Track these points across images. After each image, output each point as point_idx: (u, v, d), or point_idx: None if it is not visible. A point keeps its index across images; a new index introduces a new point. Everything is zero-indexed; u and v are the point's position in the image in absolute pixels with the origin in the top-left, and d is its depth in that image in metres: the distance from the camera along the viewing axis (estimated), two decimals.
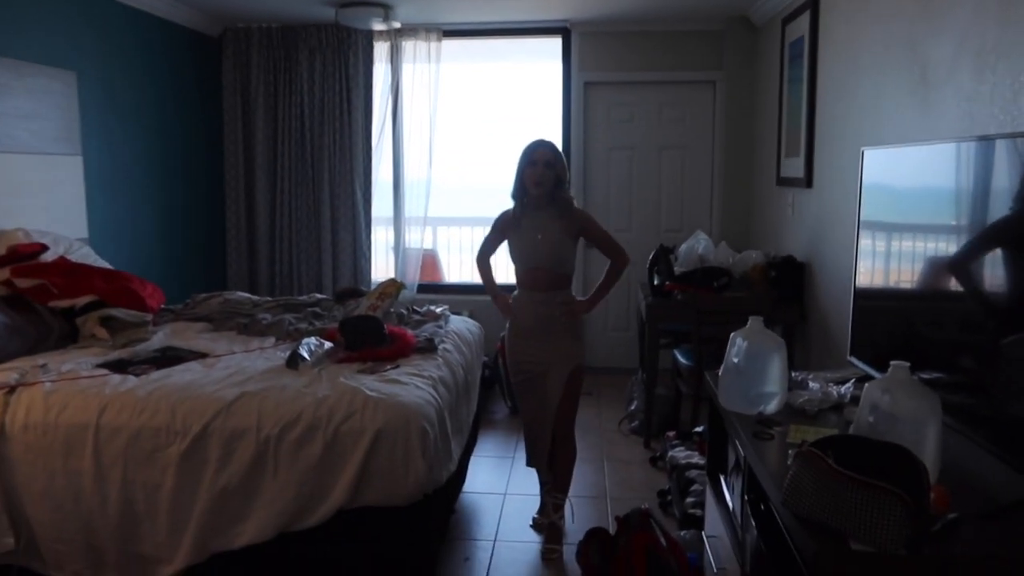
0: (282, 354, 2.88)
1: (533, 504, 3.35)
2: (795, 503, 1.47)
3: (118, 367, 2.72)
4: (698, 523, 2.89)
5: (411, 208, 5.55)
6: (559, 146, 3.05)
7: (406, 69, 5.40)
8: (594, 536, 2.81)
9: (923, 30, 2.66)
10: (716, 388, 2.27)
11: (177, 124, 5.00)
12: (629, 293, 5.53)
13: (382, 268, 5.73)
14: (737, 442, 2.05)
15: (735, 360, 2.13)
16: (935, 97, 2.57)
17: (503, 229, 3.12)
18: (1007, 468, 1.55)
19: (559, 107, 5.52)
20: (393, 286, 3.55)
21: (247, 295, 3.85)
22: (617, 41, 5.39)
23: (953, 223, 1.89)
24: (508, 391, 4.67)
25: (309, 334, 3.10)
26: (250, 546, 2.37)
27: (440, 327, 3.34)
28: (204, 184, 5.37)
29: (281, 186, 5.47)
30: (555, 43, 5.47)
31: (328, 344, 2.92)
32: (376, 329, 2.97)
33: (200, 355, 2.91)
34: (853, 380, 2.23)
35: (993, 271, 1.73)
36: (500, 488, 3.65)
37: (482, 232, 6.39)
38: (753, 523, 1.86)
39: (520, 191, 3.02)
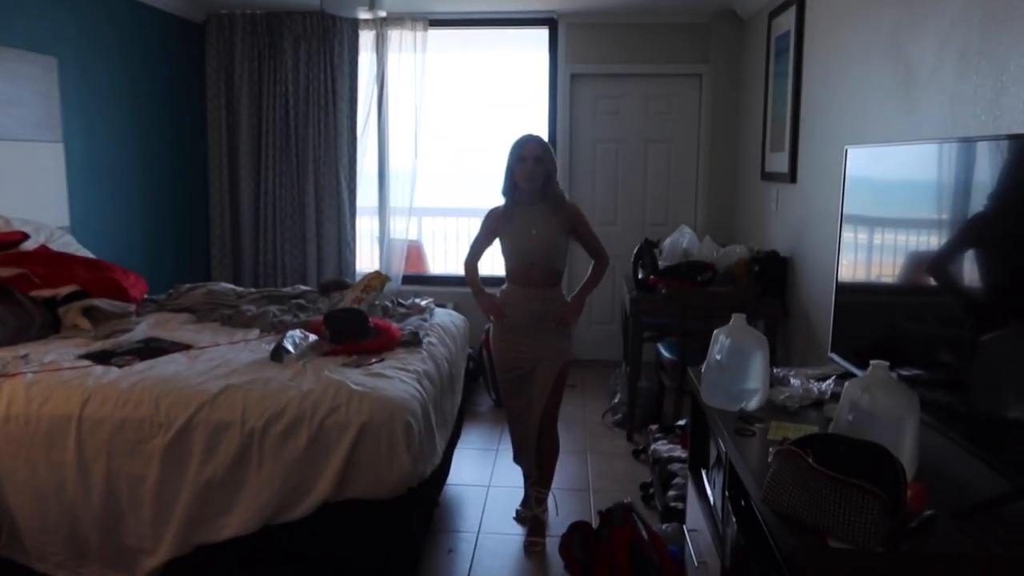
0: (267, 346, 2.87)
1: (516, 496, 3.37)
2: (775, 500, 1.50)
3: (101, 358, 2.71)
4: (680, 516, 2.93)
5: (396, 198, 5.54)
6: (545, 138, 3.05)
7: (392, 58, 5.37)
8: (577, 529, 2.84)
9: (907, 29, 2.69)
10: (699, 384, 2.29)
11: (160, 111, 4.95)
12: (613, 287, 5.55)
13: (367, 259, 5.72)
14: (719, 438, 2.07)
15: (718, 357, 2.15)
16: (919, 96, 2.59)
17: (493, 228, 3.07)
18: (983, 465, 1.58)
19: (545, 98, 5.52)
20: (378, 279, 3.55)
21: (231, 286, 3.83)
22: (604, 33, 5.39)
23: (934, 222, 1.92)
24: (492, 384, 4.68)
25: (294, 326, 3.09)
26: (234, 538, 2.37)
27: (425, 320, 3.35)
28: (187, 173, 5.33)
29: (265, 175, 5.44)
30: (542, 34, 5.46)
31: (313, 337, 2.91)
32: (361, 322, 2.97)
33: (184, 347, 2.90)
34: (834, 377, 2.26)
35: (971, 269, 1.76)
36: (484, 480, 3.67)
37: (467, 223, 6.45)
38: (733, 518, 1.89)
39: (511, 187, 3.01)
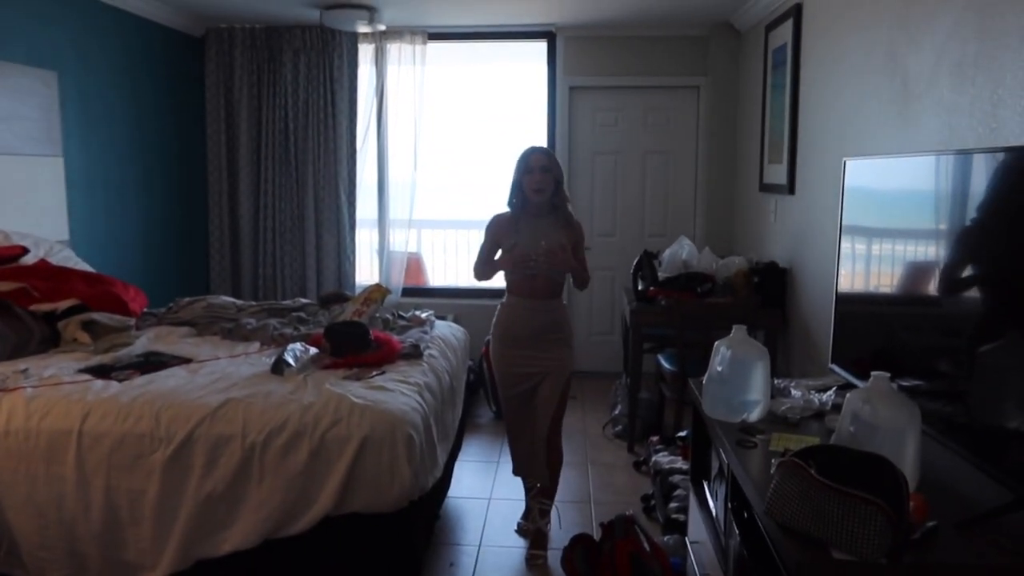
0: (267, 360, 2.87)
1: (518, 509, 3.36)
2: (778, 512, 1.50)
3: (101, 372, 2.70)
4: (681, 528, 2.92)
5: (396, 211, 5.55)
6: None
7: (391, 71, 5.40)
8: (579, 542, 2.83)
9: (903, 42, 2.71)
10: (700, 395, 2.30)
11: (159, 125, 4.96)
12: (613, 298, 5.56)
13: (366, 271, 5.72)
14: (720, 450, 2.07)
15: (719, 368, 2.15)
16: (915, 108, 2.61)
17: (497, 236, 3.01)
18: (984, 476, 1.59)
19: (544, 111, 5.54)
20: (378, 291, 3.55)
21: (231, 299, 3.83)
22: (602, 46, 5.42)
23: (932, 232, 1.93)
24: (493, 396, 4.68)
25: (294, 339, 3.09)
26: (235, 553, 2.36)
27: (425, 332, 3.35)
28: (187, 186, 5.34)
29: (265, 188, 5.45)
30: (540, 47, 5.49)
31: (314, 350, 2.91)
32: (362, 335, 2.97)
33: (184, 360, 2.90)
34: (835, 388, 2.26)
35: (969, 280, 1.76)
36: (485, 493, 3.66)
37: (467, 235, 6.45)
38: (736, 530, 1.89)
39: (520, 201, 2.98)
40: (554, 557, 3.00)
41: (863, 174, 2.30)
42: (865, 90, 3.04)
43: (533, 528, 3.11)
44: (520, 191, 2.96)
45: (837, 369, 2.33)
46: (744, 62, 5.13)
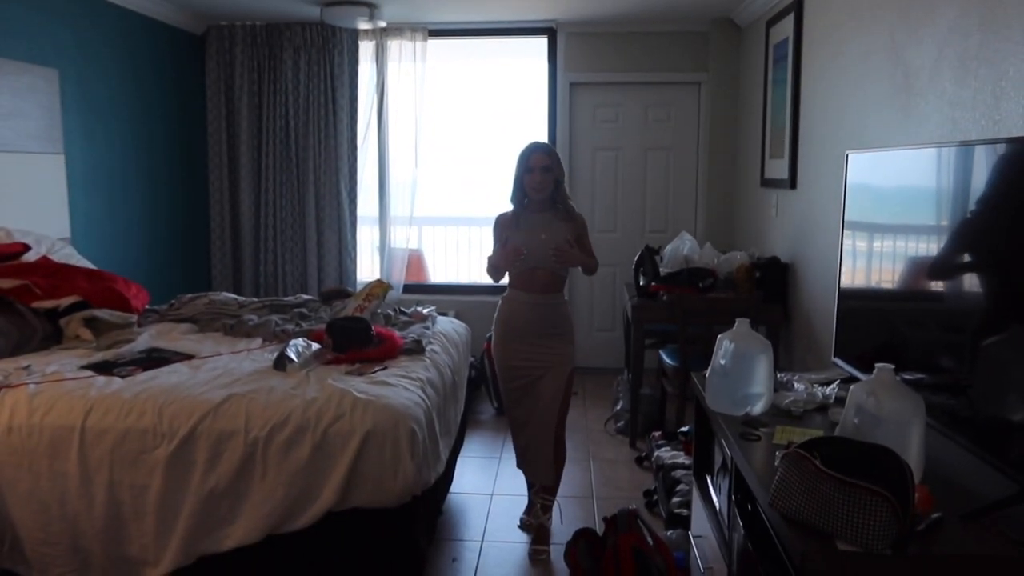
0: (269, 356, 2.87)
1: (520, 504, 3.36)
2: (782, 504, 1.50)
3: (103, 368, 2.70)
4: (684, 523, 2.92)
5: (396, 208, 5.55)
6: None
7: (392, 68, 5.39)
8: (582, 536, 2.83)
9: (905, 35, 2.70)
10: (703, 389, 2.29)
11: (160, 122, 4.96)
12: (615, 294, 5.56)
13: (367, 268, 5.72)
14: (724, 443, 2.07)
15: (722, 362, 2.15)
16: (918, 102, 2.60)
17: (502, 234, 3.02)
18: (989, 469, 1.58)
19: (545, 107, 5.54)
20: (380, 287, 3.55)
21: (233, 296, 3.83)
22: (603, 42, 5.42)
23: (935, 226, 1.93)
24: (494, 392, 4.68)
25: (296, 335, 3.09)
26: (238, 548, 2.36)
27: (427, 328, 3.34)
28: (188, 183, 5.33)
29: (266, 185, 5.45)
30: (541, 43, 5.48)
31: (316, 346, 2.91)
32: (364, 330, 2.97)
33: (186, 357, 2.90)
34: (838, 381, 2.26)
35: (972, 272, 1.76)
36: (487, 488, 3.66)
37: (468, 232, 6.46)
38: (740, 523, 1.89)
39: (520, 197, 3.01)
40: (557, 552, 3.00)
41: (866, 167, 2.29)
42: (867, 84, 3.04)
43: (536, 523, 3.12)
44: (521, 187, 2.98)
45: (840, 363, 2.33)
46: (745, 57, 5.12)
